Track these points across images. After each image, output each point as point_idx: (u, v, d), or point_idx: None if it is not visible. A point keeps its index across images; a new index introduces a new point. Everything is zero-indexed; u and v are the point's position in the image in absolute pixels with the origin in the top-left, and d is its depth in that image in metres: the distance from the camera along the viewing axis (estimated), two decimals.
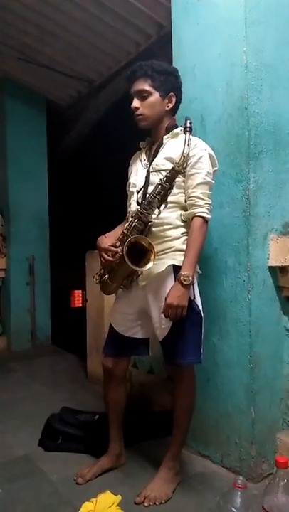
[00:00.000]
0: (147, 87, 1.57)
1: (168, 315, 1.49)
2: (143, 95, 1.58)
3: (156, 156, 1.62)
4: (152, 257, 1.47)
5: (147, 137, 1.72)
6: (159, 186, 1.49)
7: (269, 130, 1.75)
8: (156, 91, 1.58)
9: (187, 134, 1.46)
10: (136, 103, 1.60)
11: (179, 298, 1.47)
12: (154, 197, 1.49)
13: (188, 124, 1.47)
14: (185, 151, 1.43)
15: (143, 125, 1.63)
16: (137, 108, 1.60)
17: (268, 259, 1.74)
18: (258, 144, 1.72)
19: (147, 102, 1.58)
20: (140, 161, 1.69)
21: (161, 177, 1.50)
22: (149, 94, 1.58)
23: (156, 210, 1.51)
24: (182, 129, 1.53)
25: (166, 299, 1.49)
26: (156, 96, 1.58)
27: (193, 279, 1.49)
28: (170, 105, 1.62)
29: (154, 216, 1.52)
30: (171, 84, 1.60)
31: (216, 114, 1.80)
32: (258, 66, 1.71)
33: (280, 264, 1.72)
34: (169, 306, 1.47)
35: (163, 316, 1.52)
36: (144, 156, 1.69)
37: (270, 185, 1.76)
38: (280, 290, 1.79)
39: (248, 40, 1.68)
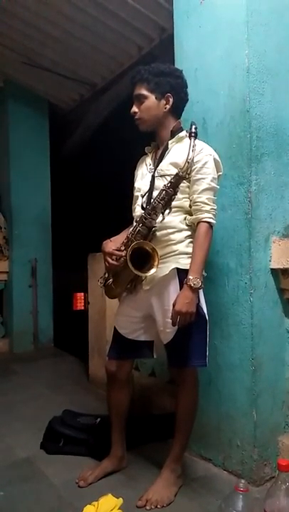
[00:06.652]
0: (144, 91, 1.59)
1: (176, 323, 1.47)
2: (140, 100, 1.60)
3: (161, 161, 1.62)
4: (156, 263, 1.47)
5: (152, 141, 1.72)
6: (163, 192, 1.48)
7: (271, 132, 1.75)
8: (152, 94, 1.59)
9: (192, 139, 1.45)
10: (134, 108, 1.62)
11: (188, 304, 1.46)
12: (158, 202, 1.48)
13: (193, 130, 1.46)
14: (189, 157, 1.43)
15: (142, 128, 1.65)
16: (135, 113, 1.62)
17: (270, 261, 1.74)
18: (260, 146, 1.72)
19: (144, 106, 1.60)
20: (146, 165, 1.69)
21: (166, 182, 1.50)
22: (145, 98, 1.59)
23: (160, 215, 1.51)
24: (187, 133, 1.53)
25: (174, 306, 1.47)
26: (151, 99, 1.59)
27: (202, 283, 1.48)
28: (168, 106, 1.61)
29: (158, 221, 1.52)
30: (168, 85, 1.59)
31: (218, 117, 1.80)
32: (259, 69, 1.71)
33: (282, 267, 1.72)
34: (178, 313, 1.45)
35: (169, 321, 1.51)
36: (149, 161, 1.69)
37: (272, 188, 1.76)
38: (282, 292, 1.79)
39: (250, 42, 1.69)
